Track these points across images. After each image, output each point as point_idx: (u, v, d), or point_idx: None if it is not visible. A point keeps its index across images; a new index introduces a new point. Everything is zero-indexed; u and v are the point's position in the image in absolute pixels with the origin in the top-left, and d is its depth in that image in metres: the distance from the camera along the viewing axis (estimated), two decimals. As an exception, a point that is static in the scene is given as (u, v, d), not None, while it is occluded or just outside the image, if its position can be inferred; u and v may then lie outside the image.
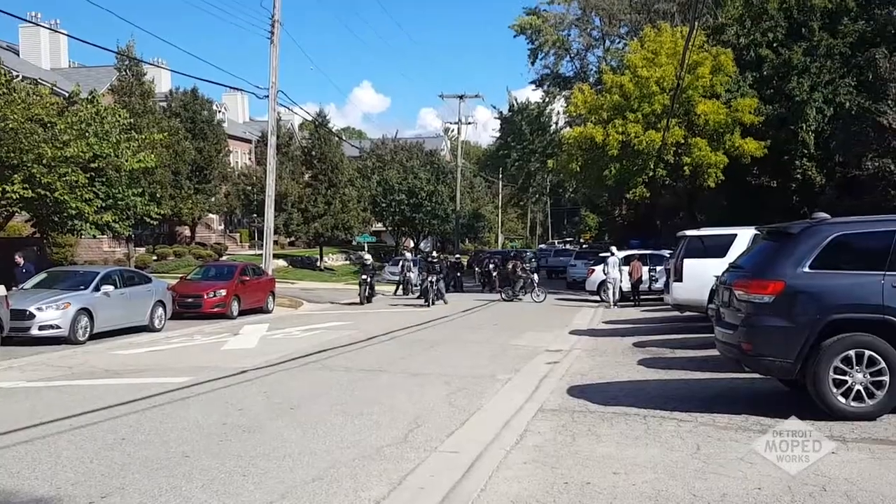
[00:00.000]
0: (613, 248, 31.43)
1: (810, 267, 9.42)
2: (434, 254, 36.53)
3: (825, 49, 36.21)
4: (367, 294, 32.55)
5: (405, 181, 63.91)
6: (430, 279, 31.77)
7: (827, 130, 35.99)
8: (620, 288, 30.32)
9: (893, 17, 35.91)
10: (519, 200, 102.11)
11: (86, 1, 76.12)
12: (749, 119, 36.01)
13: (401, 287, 38.94)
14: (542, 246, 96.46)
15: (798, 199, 36.64)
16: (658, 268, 29.86)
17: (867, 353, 9.04)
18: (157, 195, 36.73)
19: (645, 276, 30.85)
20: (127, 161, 27.62)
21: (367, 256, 35.70)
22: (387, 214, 65.53)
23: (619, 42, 59.27)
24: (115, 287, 20.81)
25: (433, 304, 31.08)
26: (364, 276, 33.06)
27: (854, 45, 35.88)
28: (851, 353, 9.08)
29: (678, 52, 35.40)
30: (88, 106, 27.60)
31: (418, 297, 34.05)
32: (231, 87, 50.39)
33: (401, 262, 41.05)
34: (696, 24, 28.95)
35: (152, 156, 29.65)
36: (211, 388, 12.53)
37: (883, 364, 8.99)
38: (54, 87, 30.33)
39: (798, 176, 36.39)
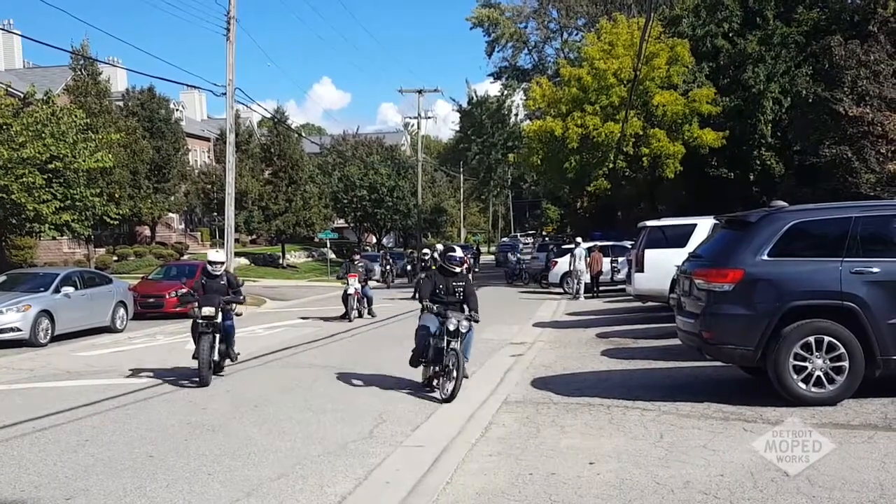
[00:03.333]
0: (579, 239, 31.45)
1: (769, 255, 9.53)
2: (433, 250, 21.90)
3: (780, 38, 36.55)
4: (210, 362, 12.87)
5: (366, 177, 63.70)
6: (454, 324, 11.17)
7: (784, 119, 36.36)
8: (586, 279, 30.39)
9: (848, 5, 36.34)
10: (480, 194, 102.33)
11: (39, 0, 75.08)
12: (707, 109, 36.29)
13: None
14: (505, 240, 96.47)
15: (757, 189, 37.03)
16: (620, 259, 29.99)
17: (826, 339, 9.17)
18: (116, 195, 36.35)
19: (606, 268, 30.97)
20: (84, 161, 27.32)
21: (216, 255, 14.30)
22: (348, 210, 65.31)
23: (576, 34, 59.51)
24: (76, 288, 20.64)
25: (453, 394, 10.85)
26: (207, 325, 13.04)
27: (809, 34, 36.25)
28: (811, 339, 9.19)
29: (635, 44, 35.55)
30: (44, 106, 27.29)
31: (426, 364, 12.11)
32: (188, 85, 50.10)
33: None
34: (653, 14, 29.17)
35: (110, 155, 29.37)
36: (174, 388, 12.44)
37: (842, 349, 9.11)
38: (9, 88, 29.89)
39: (757, 165, 36.78)
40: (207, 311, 12.95)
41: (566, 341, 17.10)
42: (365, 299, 24.04)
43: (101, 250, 47.03)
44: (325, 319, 23.58)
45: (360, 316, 23.55)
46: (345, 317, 23.00)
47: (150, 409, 10.88)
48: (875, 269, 9.18)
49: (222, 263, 13.97)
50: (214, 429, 9.50)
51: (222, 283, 13.60)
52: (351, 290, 23.17)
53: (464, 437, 8.72)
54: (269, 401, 11.29)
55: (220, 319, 13.01)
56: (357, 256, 25.11)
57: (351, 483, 7.22)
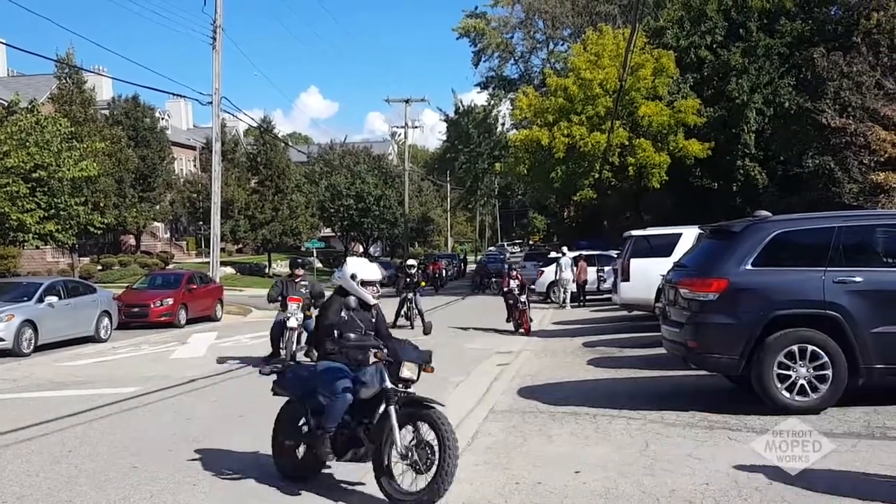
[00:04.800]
0: (565, 249, 31.60)
1: (753, 264, 9.59)
2: (419, 260, 19.72)
3: (763, 49, 36.81)
4: None
5: (353, 186, 63.76)
6: None
7: (768, 130, 36.61)
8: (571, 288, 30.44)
9: (831, 16, 36.62)
10: (467, 203, 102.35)
11: (24, 9, 75.11)
12: (692, 120, 36.47)
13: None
14: (492, 249, 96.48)
15: (741, 199, 37.22)
16: (606, 268, 30.08)
17: (810, 347, 9.23)
18: (101, 204, 36.21)
19: (591, 277, 31.05)
20: (69, 170, 27.21)
21: (371, 270, 7.78)
22: (335, 220, 65.34)
23: (562, 45, 59.69)
24: (60, 298, 20.50)
25: None
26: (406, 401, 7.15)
27: (792, 45, 36.54)
28: (795, 348, 9.25)
29: (620, 54, 35.73)
30: (28, 115, 27.21)
31: None
32: (174, 94, 50.19)
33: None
34: (637, 26, 29.32)
35: (94, 164, 29.25)
36: (159, 398, 12.38)
37: (826, 358, 9.17)
38: (-7, 97, 29.79)
39: (741, 176, 36.99)
40: (410, 372, 7.25)
41: (553, 350, 17.12)
42: (304, 335, 15.85)
43: (86, 259, 46.86)
44: (242, 360, 16.74)
45: (294, 360, 14.62)
46: (271, 358, 15.03)
47: (134, 419, 10.83)
48: (858, 279, 9.26)
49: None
50: (199, 439, 9.45)
51: (372, 319, 7.81)
52: (293, 323, 15.29)
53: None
54: (255, 410, 11.21)
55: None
56: (300, 272, 16.17)
57: (340, 492, 7.21)
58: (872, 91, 26.75)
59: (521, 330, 21.29)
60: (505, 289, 22.88)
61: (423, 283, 25.11)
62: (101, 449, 9.09)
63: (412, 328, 22.26)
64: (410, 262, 25.44)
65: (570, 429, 9.26)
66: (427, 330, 20.86)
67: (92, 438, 9.65)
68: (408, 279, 23.56)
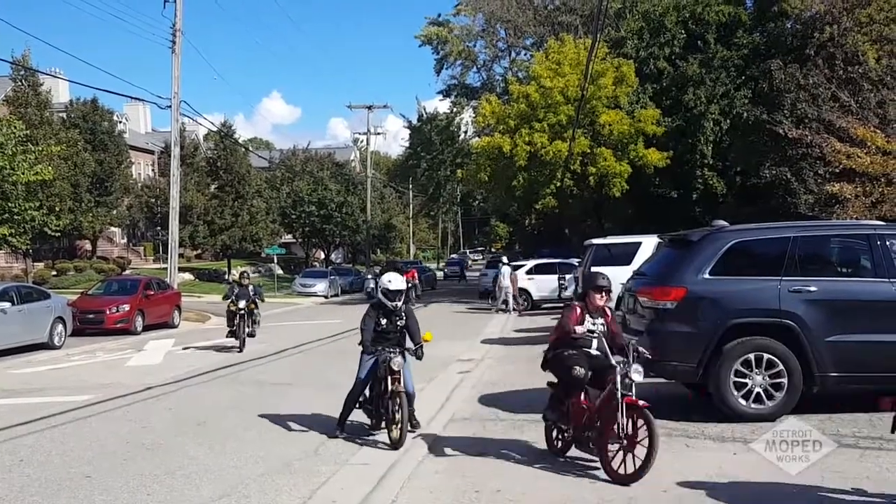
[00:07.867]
0: (505, 259, 33.17)
1: (710, 273, 9.68)
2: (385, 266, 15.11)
3: (720, 61, 37.29)
4: None
5: (315, 192, 63.52)
6: None
7: (726, 141, 37.06)
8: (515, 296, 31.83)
9: (786, 29, 37.15)
10: (430, 210, 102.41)
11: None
12: (652, 129, 36.74)
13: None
14: (454, 256, 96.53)
15: (700, 208, 37.62)
16: (567, 276, 30.36)
17: (766, 356, 9.33)
18: (56, 208, 35.69)
19: (553, 285, 31.64)
20: (23, 174, 26.78)
21: None
22: (297, 226, 64.99)
23: (524, 53, 60.00)
24: (12, 303, 20.10)
25: None
26: None
27: (748, 57, 37.07)
28: (751, 356, 9.35)
29: (581, 63, 35.91)
30: (-18, 118, 26.75)
31: None
32: (132, 98, 49.10)
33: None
34: (599, 35, 29.50)
35: (50, 168, 28.83)
36: (114, 406, 12.20)
37: (781, 367, 9.28)
38: (-55, 99, 29.30)
39: (699, 185, 37.40)
40: None
41: (513, 358, 17.14)
42: None
43: (40, 264, 46.16)
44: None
45: None
46: None
47: (88, 427, 10.67)
48: (812, 288, 9.37)
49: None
50: (154, 448, 9.34)
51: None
52: None
53: (410, 454, 8.68)
54: (211, 418, 11.14)
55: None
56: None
57: (296, 502, 7.15)
58: (828, 103, 27.16)
59: None
60: None
61: (428, 337, 11.16)
62: (54, 458, 8.94)
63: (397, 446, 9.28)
64: (391, 279, 10.39)
65: (530, 436, 9.25)
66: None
67: (44, 447, 9.48)
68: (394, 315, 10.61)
